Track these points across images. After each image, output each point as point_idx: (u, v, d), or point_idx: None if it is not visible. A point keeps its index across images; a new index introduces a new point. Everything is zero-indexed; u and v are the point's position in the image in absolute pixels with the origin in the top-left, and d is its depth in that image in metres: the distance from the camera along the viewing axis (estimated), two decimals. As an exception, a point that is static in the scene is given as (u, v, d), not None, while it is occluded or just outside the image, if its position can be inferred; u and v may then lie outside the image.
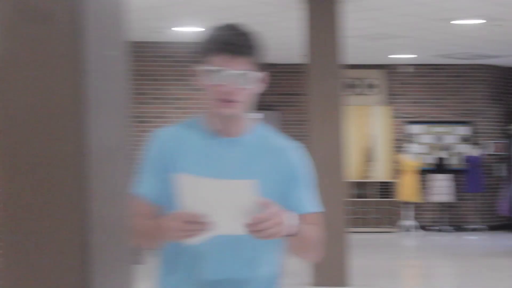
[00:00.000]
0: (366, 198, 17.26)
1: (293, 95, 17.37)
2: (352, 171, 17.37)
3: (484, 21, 12.33)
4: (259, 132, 2.92)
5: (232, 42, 2.78)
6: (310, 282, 10.55)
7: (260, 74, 2.82)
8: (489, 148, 17.66)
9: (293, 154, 2.91)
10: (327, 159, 10.49)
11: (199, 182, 2.57)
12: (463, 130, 17.79)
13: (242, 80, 2.76)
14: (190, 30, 13.24)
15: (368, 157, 17.45)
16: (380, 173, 17.58)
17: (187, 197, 2.57)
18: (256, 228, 2.53)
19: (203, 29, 13.03)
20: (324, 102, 10.54)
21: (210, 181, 2.57)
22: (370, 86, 17.72)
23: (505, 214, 16.39)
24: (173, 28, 13.11)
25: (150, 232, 2.87)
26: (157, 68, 14.37)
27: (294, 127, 17.38)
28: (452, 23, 12.53)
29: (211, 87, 2.79)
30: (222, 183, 2.56)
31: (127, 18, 4.93)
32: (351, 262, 10.62)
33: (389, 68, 17.64)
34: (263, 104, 17.22)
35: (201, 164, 2.81)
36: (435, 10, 11.45)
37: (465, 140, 17.77)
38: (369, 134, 17.63)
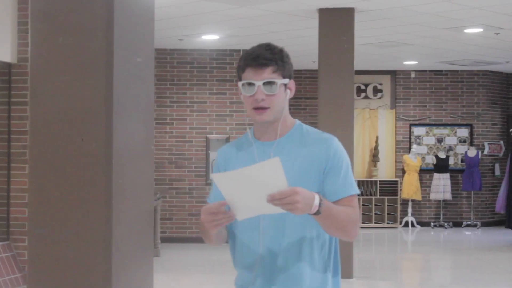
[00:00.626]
0: (370, 195, 17.21)
1: (304, 99, 17.37)
2: (358, 170, 17.33)
3: (484, 29, 12.25)
4: (295, 132, 3.11)
5: (257, 55, 3.05)
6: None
7: (285, 81, 3.06)
8: (486, 149, 17.59)
9: (326, 146, 3.05)
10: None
11: (228, 176, 2.78)
12: (462, 132, 17.72)
13: (269, 88, 3.01)
14: (209, 38, 13.24)
15: (373, 157, 17.40)
16: (384, 172, 17.53)
17: (224, 191, 2.78)
18: (278, 202, 2.72)
19: (220, 37, 13.04)
20: (334, 105, 10.50)
21: (238, 171, 2.76)
22: (376, 90, 17.66)
23: (500, 211, 16.32)
24: (194, 37, 13.11)
25: (201, 230, 3.10)
26: (177, 74, 14.41)
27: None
28: (455, 32, 12.46)
29: (246, 98, 3.05)
30: (248, 169, 2.74)
31: (153, 26, 4.89)
32: (355, 255, 10.57)
33: (394, 74, 17.60)
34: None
35: (242, 164, 2.99)
36: (440, 19, 11.39)
37: (464, 141, 17.70)
38: (374, 135, 17.58)
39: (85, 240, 4.64)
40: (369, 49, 14.12)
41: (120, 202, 4.68)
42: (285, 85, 3.09)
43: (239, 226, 3.10)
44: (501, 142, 17.82)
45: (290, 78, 3.11)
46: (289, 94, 3.13)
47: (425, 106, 17.66)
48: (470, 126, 17.66)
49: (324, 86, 10.56)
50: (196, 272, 11.30)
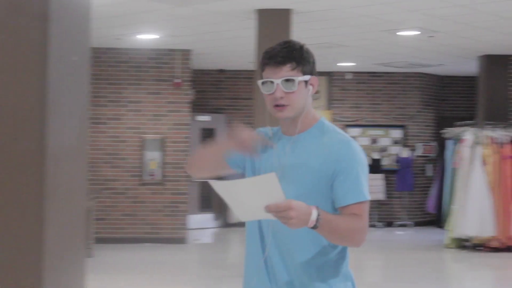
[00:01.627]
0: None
1: (241, 99, 17.39)
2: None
3: (419, 32, 12.41)
4: (314, 130, 3.09)
5: (275, 54, 3.03)
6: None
7: (305, 78, 3.04)
8: (419, 150, 17.84)
9: (343, 149, 3.01)
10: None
11: (227, 184, 2.79)
12: (396, 133, 17.94)
13: (288, 85, 3.01)
14: (146, 38, 13.15)
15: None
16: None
17: (224, 197, 2.83)
18: (274, 214, 2.76)
19: (157, 37, 12.95)
20: (270, 106, 10.50)
21: (236, 182, 2.79)
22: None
23: (431, 211, 16.56)
24: (131, 36, 13.00)
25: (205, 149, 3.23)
26: (113, 73, 14.28)
27: (240, 128, 17.37)
28: (390, 34, 12.60)
29: (266, 96, 3.06)
30: (246, 181, 2.81)
31: (89, 25, 4.83)
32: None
33: (330, 75, 17.73)
34: (212, 108, 17.25)
35: (266, 158, 3.10)
36: (376, 22, 11.50)
37: (398, 142, 17.92)
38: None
39: (16, 240, 4.56)
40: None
41: (53, 202, 4.61)
42: (306, 81, 3.06)
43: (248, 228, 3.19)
44: (434, 143, 18.10)
45: (311, 74, 3.08)
46: (311, 90, 3.09)
47: (360, 107, 17.83)
48: (403, 127, 17.89)
49: (261, 87, 10.56)
50: (130, 273, 11.20)
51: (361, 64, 16.52)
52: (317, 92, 17.66)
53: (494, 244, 13.20)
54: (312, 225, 2.81)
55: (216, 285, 10.30)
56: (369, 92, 17.83)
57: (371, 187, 17.16)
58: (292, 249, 3.06)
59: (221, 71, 17.29)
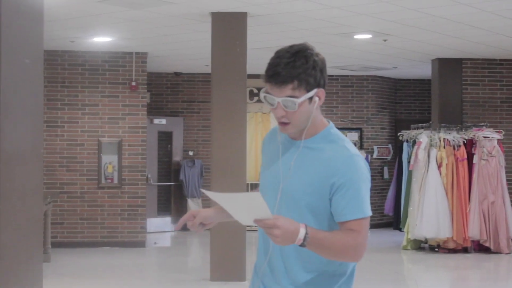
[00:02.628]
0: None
1: (197, 102, 17.37)
2: (251, 173, 17.41)
3: (373, 36, 12.51)
4: (319, 138, 3.03)
5: (277, 72, 2.90)
6: (209, 278, 10.49)
7: (308, 96, 2.93)
8: (375, 152, 17.96)
9: (343, 163, 2.94)
10: (229, 162, 10.47)
11: (219, 195, 2.83)
12: (352, 136, 18.04)
13: (289, 105, 2.91)
14: (101, 40, 13.08)
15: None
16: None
17: (222, 205, 2.89)
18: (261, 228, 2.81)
19: (112, 39, 12.89)
20: (227, 109, 10.53)
21: (226, 195, 2.82)
22: (269, 94, 17.81)
23: (388, 213, 16.67)
24: (85, 38, 12.92)
25: None
26: (68, 76, 14.17)
27: (197, 132, 17.37)
28: (345, 38, 12.69)
29: (270, 109, 3.00)
30: (236, 195, 2.82)
31: (42, 28, 4.79)
32: (248, 258, 10.62)
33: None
34: (168, 111, 17.20)
35: (271, 159, 3.12)
36: (330, 25, 11.57)
37: (354, 145, 18.00)
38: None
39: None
40: (261, 53, 14.21)
41: (7, 206, 4.57)
42: (311, 97, 2.96)
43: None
44: (390, 145, 18.24)
45: (318, 87, 2.99)
46: (318, 101, 3.00)
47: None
48: (360, 130, 18.01)
49: (217, 90, 10.58)
50: (88, 277, 11.13)
51: (317, 67, 16.57)
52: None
53: (451, 245, 13.33)
54: (299, 243, 2.80)
55: (174, 288, 10.28)
56: (326, 95, 17.87)
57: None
58: (292, 256, 3.07)
59: (177, 74, 17.26)
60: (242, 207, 2.82)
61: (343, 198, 2.91)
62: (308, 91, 2.94)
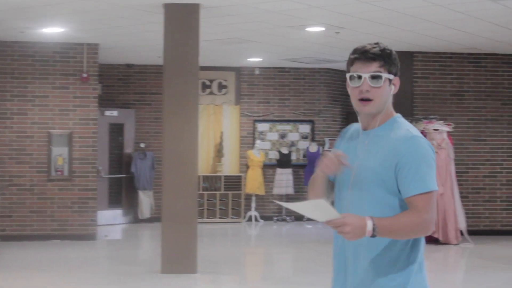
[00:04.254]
0: (215, 191, 17.33)
1: (149, 94, 17.30)
2: (203, 166, 17.40)
3: (325, 28, 12.56)
4: (387, 125, 3.33)
5: (366, 50, 3.27)
6: (160, 270, 10.46)
7: (390, 76, 3.31)
8: (327, 144, 18.05)
9: (404, 143, 3.22)
10: (181, 154, 10.44)
11: (294, 205, 3.12)
12: (304, 128, 18.12)
13: (375, 81, 3.26)
14: (52, 31, 12.93)
15: (218, 153, 17.52)
16: (228, 168, 17.68)
17: (298, 211, 3.17)
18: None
19: (63, 30, 12.76)
20: (179, 101, 10.49)
21: (302, 203, 3.11)
22: (221, 86, 17.80)
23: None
24: (35, 29, 12.76)
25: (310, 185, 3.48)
26: (18, 67, 14.00)
27: (148, 124, 17.31)
28: (298, 30, 12.72)
29: (352, 89, 3.31)
30: (306, 203, 3.10)
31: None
32: (199, 251, 10.61)
33: (238, 70, 17.79)
34: (120, 102, 17.09)
35: (346, 148, 3.40)
36: (283, 18, 11.59)
37: (306, 137, 18.11)
38: (219, 131, 17.71)
39: None
40: (214, 45, 14.19)
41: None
42: (390, 80, 3.30)
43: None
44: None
45: (396, 75, 3.32)
46: (393, 89, 3.34)
47: (269, 102, 17.95)
48: (311, 122, 18.09)
49: (169, 82, 10.53)
50: (38, 271, 11.01)
51: (269, 59, 16.63)
52: (224, 87, 17.72)
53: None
54: (370, 235, 3.09)
55: (126, 281, 10.23)
56: (277, 88, 17.96)
57: (279, 182, 17.40)
58: (361, 246, 3.29)
59: (129, 65, 17.15)
60: (314, 211, 3.11)
61: (407, 176, 3.19)
62: (389, 73, 3.30)
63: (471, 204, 14.98)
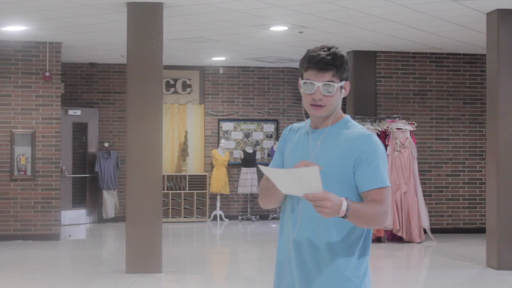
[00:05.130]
0: (179, 190, 17.29)
1: (113, 93, 17.21)
2: (168, 165, 17.35)
3: (289, 28, 12.59)
4: (340, 125, 3.51)
5: (320, 60, 3.40)
6: (125, 270, 10.42)
7: (342, 84, 3.45)
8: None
9: (363, 140, 3.42)
10: (145, 154, 10.40)
11: (274, 171, 3.28)
12: (268, 127, 18.14)
13: (327, 89, 3.42)
14: (13, 29, 12.81)
15: (182, 152, 17.48)
16: (193, 167, 17.65)
17: (272, 179, 3.27)
18: (311, 202, 3.18)
19: (25, 29, 12.64)
20: (143, 100, 10.45)
21: (283, 171, 3.29)
22: (185, 85, 17.76)
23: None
24: (-3, 25, 12.65)
25: (265, 189, 3.59)
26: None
27: (112, 124, 17.21)
28: (261, 29, 12.73)
29: (305, 95, 3.47)
30: (291, 171, 3.21)
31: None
32: (164, 250, 10.58)
33: (202, 69, 17.77)
34: (83, 102, 16.99)
35: (293, 147, 3.56)
36: (246, 17, 11.60)
37: (271, 136, 18.14)
38: (184, 130, 17.67)
39: None
40: (178, 44, 14.16)
41: None
42: (341, 86, 3.47)
43: (284, 203, 3.59)
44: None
45: (346, 80, 3.48)
46: (344, 93, 3.50)
47: (233, 101, 17.95)
48: (276, 121, 18.12)
49: (133, 81, 10.49)
50: (1, 271, 10.92)
51: (233, 58, 16.63)
52: (189, 87, 17.69)
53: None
54: (342, 215, 3.23)
55: (90, 281, 10.17)
56: (241, 87, 17.97)
57: (244, 181, 17.42)
58: (318, 229, 3.43)
59: (92, 64, 17.06)
60: (295, 181, 3.18)
61: (366, 171, 3.38)
62: (341, 80, 3.45)
63: (434, 202, 15.12)
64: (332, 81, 3.42)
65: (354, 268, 3.44)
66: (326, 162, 3.41)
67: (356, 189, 3.44)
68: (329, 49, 3.44)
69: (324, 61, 3.40)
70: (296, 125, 3.71)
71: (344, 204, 3.22)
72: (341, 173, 3.40)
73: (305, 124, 3.63)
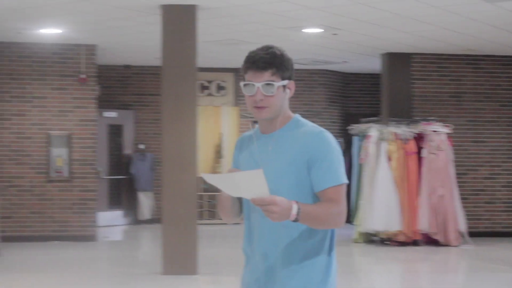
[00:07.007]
0: (214, 192, 17.31)
1: (148, 95, 17.28)
2: (203, 167, 17.38)
3: (323, 30, 12.55)
4: (289, 126, 3.36)
5: (257, 60, 3.30)
6: (161, 271, 10.45)
7: (284, 83, 3.31)
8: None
9: (314, 139, 3.28)
10: (180, 155, 10.42)
11: (217, 177, 3.16)
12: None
13: (267, 89, 3.27)
14: (49, 32, 12.92)
15: (217, 154, 17.50)
16: (227, 169, 17.64)
17: (217, 186, 3.14)
18: (258, 206, 3.05)
19: (61, 31, 12.75)
20: (178, 102, 10.47)
21: (226, 175, 3.14)
22: (220, 88, 17.78)
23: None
24: (33, 30, 12.75)
25: (218, 203, 3.51)
26: (16, 68, 13.98)
27: (147, 126, 17.29)
28: (295, 31, 12.71)
29: (247, 97, 3.33)
30: (235, 175, 3.09)
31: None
32: (199, 252, 10.59)
33: (237, 72, 17.77)
34: (118, 104, 17.07)
35: (247, 155, 3.42)
36: (280, 19, 11.58)
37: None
38: (219, 132, 17.70)
39: None
40: (212, 46, 14.18)
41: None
42: (284, 85, 3.32)
43: (245, 207, 3.46)
44: (340, 139, 18.32)
45: (290, 79, 3.34)
46: (289, 93, 3.37)
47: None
48: (310, 123, 18.05)
49: (168, 83, 10.51)
50: (38, 272, 11.00)
51: (267, 61, 16.58)
52: (223, 89, 17.70)
53: (401, 238, 13.43)
54: (293, 219, 3.08)
55: (126, 282, 10.21)
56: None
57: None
58: (273, 233, 3.31)
59: (127, 66, 17.14)
60: (240, 185, 3.07)
61: (320, 169, 3.24)
62: (282, 79, 3.30)
63: (471, 205, 14.95)
64: (272, 81, 3.27)
65: (320, 268, 3.31)
66: (280, 167, 3.27)
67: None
68: (268, 48, 3.33)
69: (262, 60, 3.28)
70: (246, 134, 3.55)
71: (294, 208, 3.08)
72: (296, 177, 3.26)
73: (255, 131, 3.48)
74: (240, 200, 3.46)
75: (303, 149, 3.26)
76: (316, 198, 3.28)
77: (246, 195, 3.10)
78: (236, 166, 3.49)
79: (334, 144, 3.30)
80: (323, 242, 3.33)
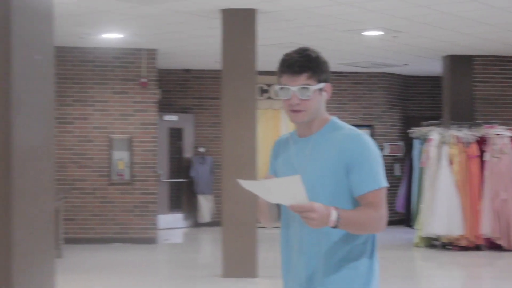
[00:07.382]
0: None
1: (207, 99, 17.37)
2: (262, 170, 17.40)
3: (383, 32, 12.49)
4: (327, 129, 3.32)
5: (292, 63, 3.24)
6: (221, 274, 10.50)
7: (320, 86, 3.26)
8: (386, 149, 17.92)
9: (352, 142, 3.23)
10: (240, 159, 10.47)
11: (254, 183, 3.10)
12: (363, 133, 18.00)
13: (303, 93, 3.23)
14: (111, 37, 13.10)
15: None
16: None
17: (255, 192, 3.09)
18: (297, 213, 3.03)
19: (122, 36, 12.92)
20: (237, 105, 10.53)
21: (262, 182, 3.08)
22: (279, 91, 17.79)
23: (400, 210, 16.62)
24: (95, 35, 12.94)
25: (258, 209, 3.47)
26: (78, 72, 14.20)
27: (207, 129, 17.38)
28: (355, 34, 12.67)
29: (283, 101, 3.28)
30: (272, 181, 3.06)
31: (52, 24, 4.80)
32: (259, 255, 10.62)
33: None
34: (179, 107, 17.22)
35: (285, 160, 3.37)
36: (340, 22, 11.56)
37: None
38: (278, 135, 17.71)
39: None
40: (271, 50, 14.21)
41: (20, 203, 4.59)
42: (321, 88, 3.28)
43: (284, 213, 3.40)
44: (401, 143, 18.20)
45: (326, 81, 3.30)
46: (325, 95, 3.33)
47: (327, 107, 17.83)
48: (370, 127, 17.98)
49: (228, 87, 10.58)
50: (100, 273, 11.16)
51: (327, 64, 16.56)
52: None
53: (463, 243, 13.27)
54: (332, 225, 3.06)
55: (186, 285, 10.29)
56: (335, 92, 17.84)
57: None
58: (313, 240, 3.27)
59: (187, 70, 17.27)
60: (279, 192, 3.03)
61: (359, 173, 3.19)
62: (318, 82, 3.25)
63: (533, 209, 14.68)
64: (308, 84, 3.23)
65: (362, 273, 3.27)
66: (318, 172, 3.23)
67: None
68: (303, 51, 3.28)
69: (297, 63, 3.22)
70: (283, 137, 3.51)
71: (334, 214, 3.05)
72: (335, 181, 3.22)
73: (292, 134, 3.45)
74: (278, 204, 3.40)
75: (341, 153, 3.22)
76: (356, 202, 3.23)
77: (284, 201, 3.07)
78: (273, 171, 3.44)
79: (373, 147, 3.25)
80: (364, 246, 3.29)
